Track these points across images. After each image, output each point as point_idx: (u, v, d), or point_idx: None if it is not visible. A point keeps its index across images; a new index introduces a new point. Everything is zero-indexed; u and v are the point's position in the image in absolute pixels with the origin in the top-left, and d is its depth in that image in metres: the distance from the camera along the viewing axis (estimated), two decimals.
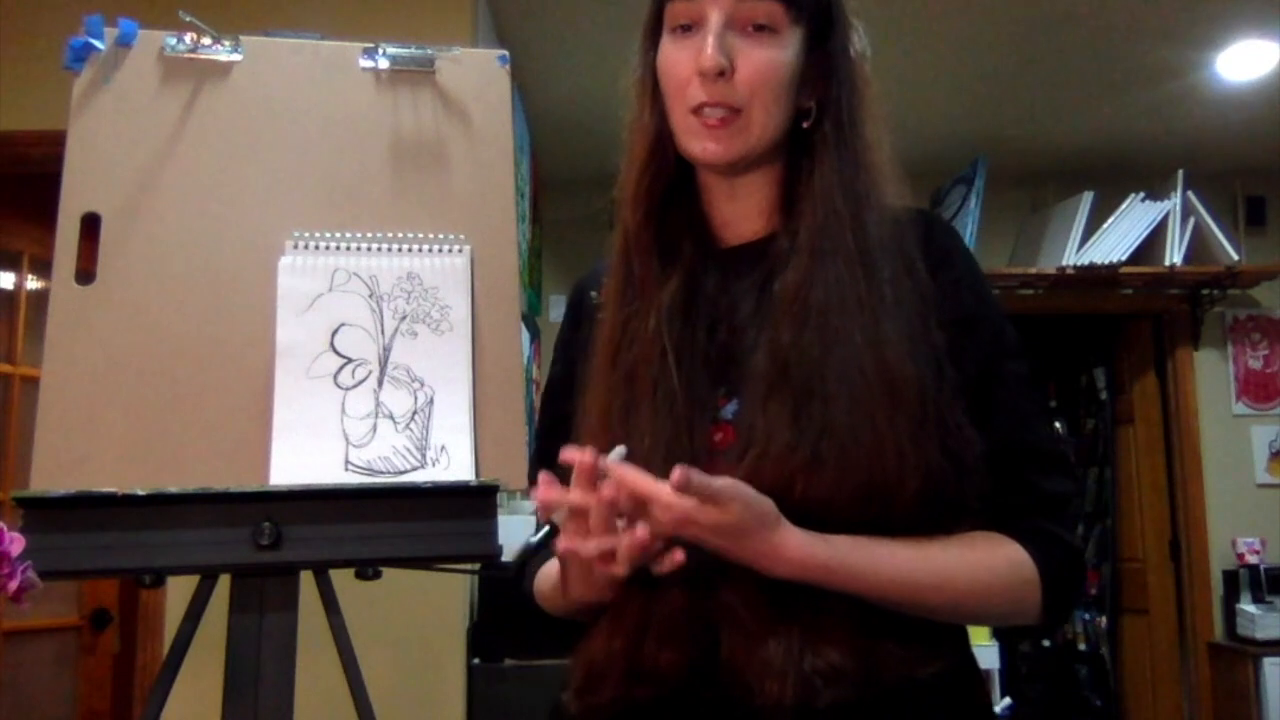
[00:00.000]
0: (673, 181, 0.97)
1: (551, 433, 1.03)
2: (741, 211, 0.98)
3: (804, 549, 0.80)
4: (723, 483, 0.76)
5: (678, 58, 0.92)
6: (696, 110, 0.91)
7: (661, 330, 0.90)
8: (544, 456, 1.04)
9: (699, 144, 0.92)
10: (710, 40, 0.89)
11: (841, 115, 0.93)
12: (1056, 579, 0.87)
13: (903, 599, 0.83)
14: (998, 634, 3.14)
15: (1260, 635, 3.85)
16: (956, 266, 0.94)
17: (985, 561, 0.86)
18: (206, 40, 1.42)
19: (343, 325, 1.35)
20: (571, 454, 0.80)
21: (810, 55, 0.93)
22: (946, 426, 0.84)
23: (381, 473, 1.29)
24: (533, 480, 1.08)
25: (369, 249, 1.39)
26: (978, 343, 0.90)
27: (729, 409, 0.88)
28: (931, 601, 0.84)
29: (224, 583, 1.29)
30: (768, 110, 0.91)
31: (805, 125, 0.94)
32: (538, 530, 0.86)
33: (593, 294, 1.04)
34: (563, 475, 0.97)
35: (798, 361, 0.84)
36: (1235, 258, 3.86)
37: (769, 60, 0.90)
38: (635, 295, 0.94)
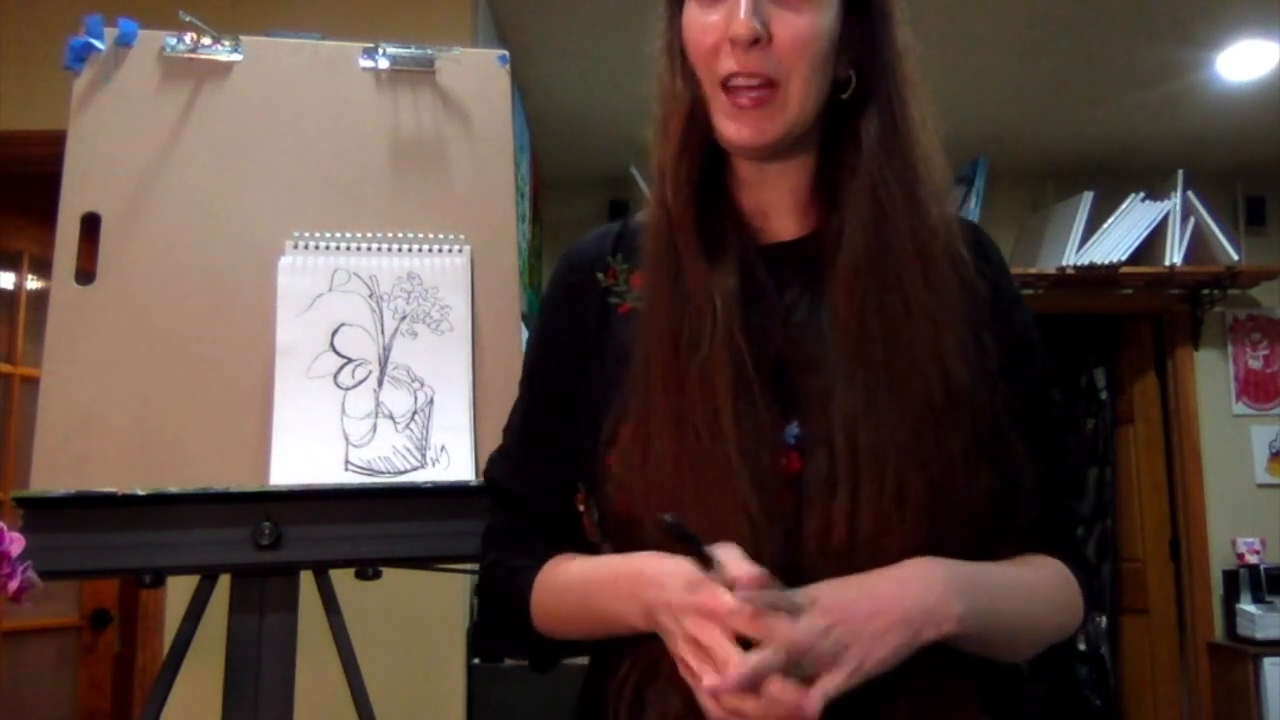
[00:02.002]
0: (706, 160, 0.88)
1: (545, 428, 0.95)
2: (774, 199, 0.89)
3: (940, 570, 0.76)
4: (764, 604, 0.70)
5: (705, 23, 0.83)
6: (727, 83, 0.82)
7: (732, 330, 0.82)
8: (533, 454, 0.95)
9: (731, 126, 0.83)
10: (743, 4, 0.80)
11: (886, 88, 0.85)
12: (1091, 596, 0.89)
13: (1022, 617, 0.82)
14: None
15: (1260, 635, 3.84)
16: (1010, 287, 0.92)
17: (1057, 583, 0.87)
18: (206, 40, 1.42)
19: (343, 325, 1.35)
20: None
21: (848, 18, 0.84)
22: (1001, 443, 0.82)
23: (381, 473, 1.29)
24: (509, 475, 0.97)
25: (369, 249, 1.39)
26: (1031, 369, 0.89)
27: (791, 431, 0.81)
28: (1037, 622, 0.84)
29: (224, 583, 1.29)
30: (807, 83, 0.82)
31: (843, 97, 0.86)
32: None
33: (599, 275, 0.93)
34: (554, 451, 0.92)
35: (863, 384, 0.79)
36: (1235, 258, 3.85)
37: (809, 26, 0.81)
38: (687, 285, 0.84)
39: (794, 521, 0.78)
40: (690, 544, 0.73)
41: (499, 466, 0.99)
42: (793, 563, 0.77)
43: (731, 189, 0.90)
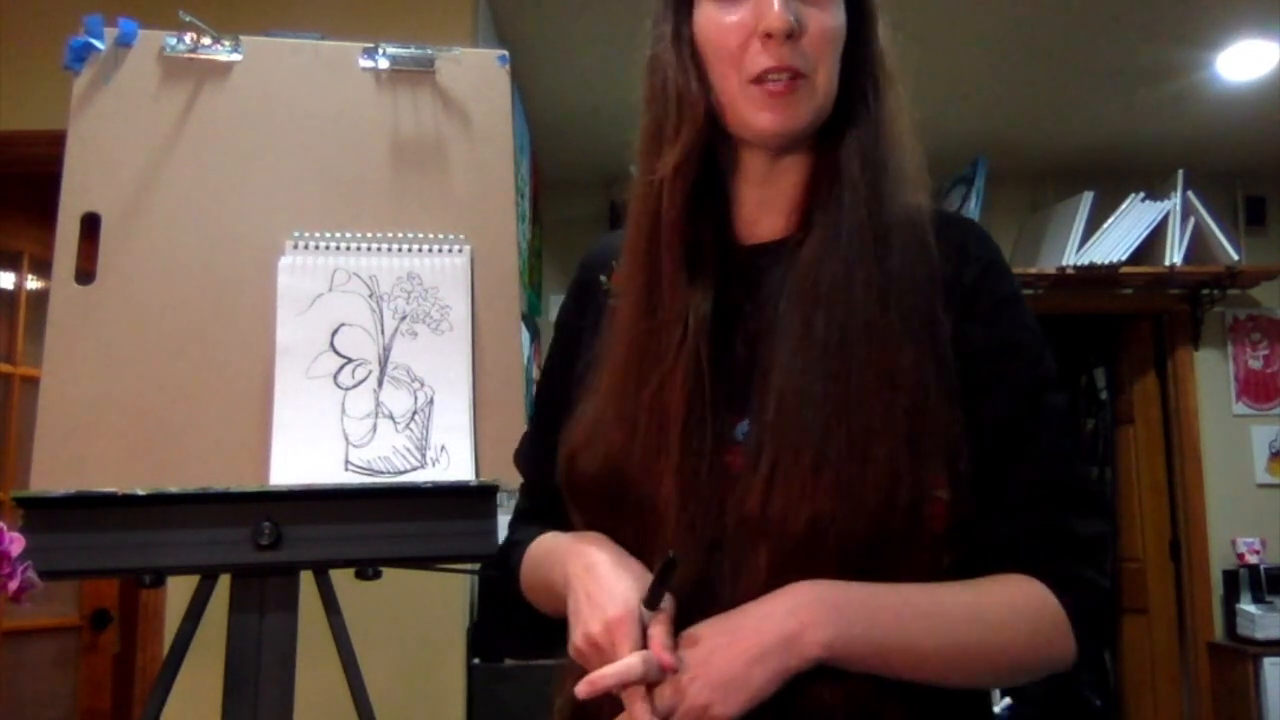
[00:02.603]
0: (704, 168, 0.88)
1: (549, 418, 0.98)
2: (769, 198, 0.90)
3: (815, 594, 0.75)
4: (639, 660, 0.74)
5: (726, 22, 0.84)
6: (758, 79, 0.83)
7: (699, 346, 0.83)
8: (539, 443, 1.00)
9: (763, 115, 0.83)
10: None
11: (866, 82, 0.87)
12: (1088, 626, 0.81)
13: (935, 644, 0.77)
14: None
15: (1260, 635, 3.84)
16: (1000, 286, 0.88)
17: (1016, 608, 0.80)
18: (206, 40, 1.42)
19: (343, 325, 1.35)
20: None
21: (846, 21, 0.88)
22: (943, 425, 0.79)
23: (381, 473, 1.29)
24: (523, 462, 1.06)
25: (369, 249, 1.39)
26: (1015, 372, 0.85)
27: (741, 429, 0.82)
28: (969, 649, 0.78)
29: (224, 583, 1.29)
30: (830, 74, 0.85)
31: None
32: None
33: (602, 278, 0.96)
34: (555, 440, 0.93)
35: (803, 365, 0.79)
36: (1235, 258, 3.85)
37: (834, 22, 0.84)
38: (662, 297, 0.85)
39: (727, 518, 0.80)
40: (661, 581, 0.76)
41: (520, 452, 1.07)
42: (714, 555, 0.79)
43: (728, 193, 0.91)
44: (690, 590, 0.78)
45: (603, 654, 0.77)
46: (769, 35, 0.81)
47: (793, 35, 0.81)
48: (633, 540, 0.83)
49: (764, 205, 0.90)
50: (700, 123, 0.86)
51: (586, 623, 0.78)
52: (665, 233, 0.86)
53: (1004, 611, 0.80)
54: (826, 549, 0.76)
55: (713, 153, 0.88)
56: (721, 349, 0.84)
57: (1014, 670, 0.81)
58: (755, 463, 0.78)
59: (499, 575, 1.02)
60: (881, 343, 0.80)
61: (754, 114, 0.84)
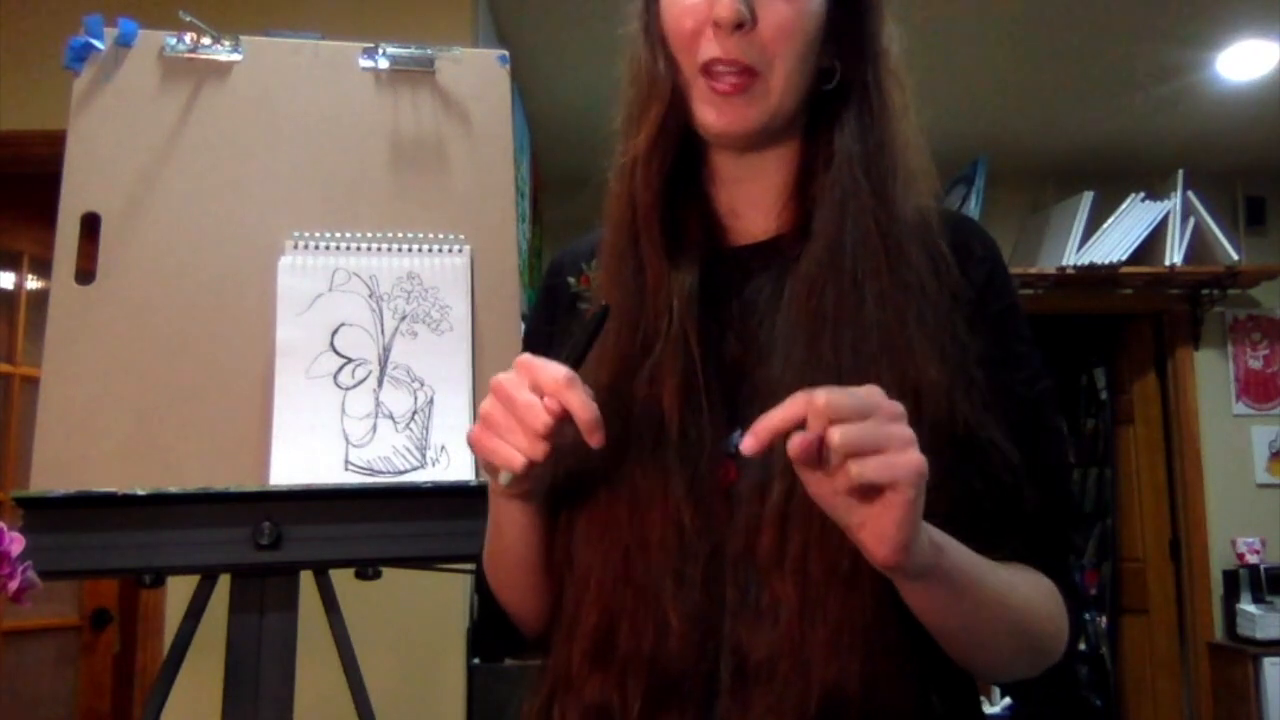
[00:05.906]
0: (680, 151, 0.84)
1: None
2: (752, 196, 0.85)
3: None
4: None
5: (684, 5, 0.79)
6: (707, 69, 0.78)
7: (687, 334, 0.78)
8: None
9: (710, 112, 0.79)
10: None
11: (867, 78, 0.81)
12: (1076, 628, 0.82)
13: (1000, 603, 0.73)
14: None
15: (1260, 635, 3.84)
16: (1003, 293, 0.84)
17: (1041, 590, 0.78)
18: (206, 40, 1.42)
19: (342, 325, 1.35)
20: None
21: (835, 6, 0.81)
22: (977, 443, 0.75)
23: (381, 473, 1.29)
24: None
25: (369, 249, 1.39)
26: (1018, 386, 0.81)
27: (734, 440, 0.77)
28: (1014, 612, 0.75)
29: (224, 583, 1.29)
30: (791, 72, 0.78)
31: (826, 88, 0.82)
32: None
33: (570, 280, 0.93)
34: None
35: (812, 384, 0.72)
36: (1235, 258, 3.86)
37: (796, 13, 0.77)
38: (645, 281, 0.81)
39: (722, 535, 0.75)
40: (593, 336, 0.74)
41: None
42: (716, 575, 0.74)
43: (705, 186, 0.87)
44: (691, 618, 0.72)
45: (525, 407, 0.70)
46: (718, 24, 0.77)
47: (743, 26, 0.76)
48: (624, 541, 0.77)
49: (746, 201, 0.86)
50: (667, 102, 0.82)
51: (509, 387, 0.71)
52: (641, 215, 0.82)
53: (1031, 590, 0.77)
54: (858, 583, 0.71)
55: (690, 141, 0.84)
56: (708, 345, 0.79)
57: (1031, 648, 0.79)
58: (761, 496, 0.73)
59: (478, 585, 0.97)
60: (902, 362, 0.74)
61: (703, 109, 0.80)
